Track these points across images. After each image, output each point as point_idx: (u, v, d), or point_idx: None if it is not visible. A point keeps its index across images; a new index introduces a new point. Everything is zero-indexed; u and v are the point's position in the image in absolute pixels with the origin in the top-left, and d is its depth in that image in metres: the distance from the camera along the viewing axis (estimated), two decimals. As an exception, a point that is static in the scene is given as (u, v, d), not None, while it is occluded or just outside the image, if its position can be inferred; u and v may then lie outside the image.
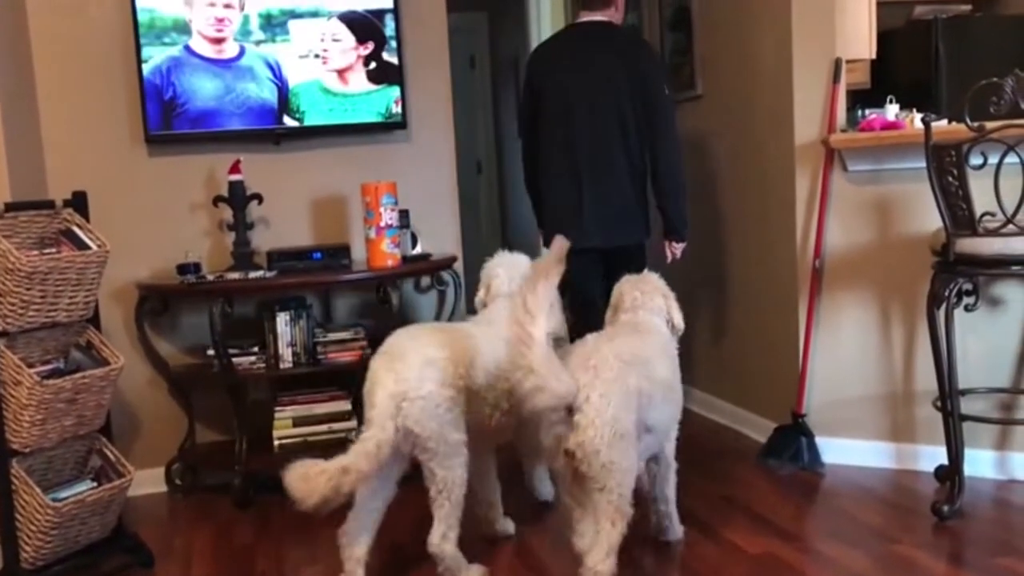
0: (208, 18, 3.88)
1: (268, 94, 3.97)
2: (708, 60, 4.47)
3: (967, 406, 3.34)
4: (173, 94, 3.88)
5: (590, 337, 2.75)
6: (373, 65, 4.06)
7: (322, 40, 4.00)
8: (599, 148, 3.75)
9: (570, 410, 2.50)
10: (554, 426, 2.54)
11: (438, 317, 4.32)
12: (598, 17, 3.85)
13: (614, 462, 2.50)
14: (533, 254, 3.70)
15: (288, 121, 4.00)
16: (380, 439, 2.60)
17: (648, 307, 3.01)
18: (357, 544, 2.81)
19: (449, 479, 2.74)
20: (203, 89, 3.90)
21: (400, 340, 2.80)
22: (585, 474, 2.52)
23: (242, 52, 3.93)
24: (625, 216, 3.78)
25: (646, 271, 3.19)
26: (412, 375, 2.68)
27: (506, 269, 3.26)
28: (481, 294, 3.28)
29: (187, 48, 3.87)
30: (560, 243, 2.51)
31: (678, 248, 3.90)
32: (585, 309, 3.72)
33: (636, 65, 3.73)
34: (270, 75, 3.97)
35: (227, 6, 3.90)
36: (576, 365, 2.54)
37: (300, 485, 2.51)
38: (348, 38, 4.02)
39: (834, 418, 3.82)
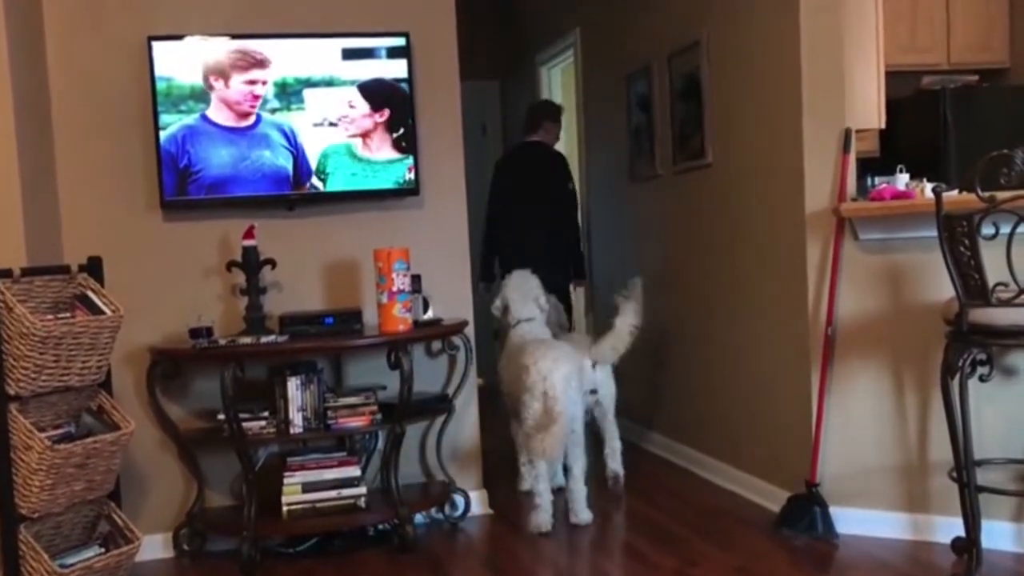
0: (244, 94, 3.94)
1: (283, 161, 4.02)
2: (718, 129, 4.51)
3: (983, 477, 3.31)
4: (188, 161, 3.93)
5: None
6: (400, 132, 4.11)
7: (338, 106, 4.06)
8: (543, 225, 5.62)
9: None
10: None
11: (448, 382, 4.32)
12: (537, 138, 5.75)
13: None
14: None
15: (315, 182, 4.04)
16: (566, 410, 3.87)
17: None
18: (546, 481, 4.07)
19: (580, 434, 4.06)
20: (218, 156, 3.95)
21: (553, 347, 4.11)
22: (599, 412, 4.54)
23: (258, 120, 3.99)
24: (557, 267, 5.60)
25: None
26: (571, 366, 4.01)
27: (520, 293, 4.51)
28: (499, 304, 4.54)
29: (203, 117, 3.92)
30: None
31: (583, 285, 6.08)
32: None
33: (562, 177, 5.71)
34: (285, 142, 4.02)
35: (260, 83, 3.96)
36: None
37: (554, 446, 3.77)
38: (362, 105, 4.08)
39: (848, 488, 3.79)
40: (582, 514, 4.07)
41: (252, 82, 3.96)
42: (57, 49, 3.88)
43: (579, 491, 4.08)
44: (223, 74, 3.92)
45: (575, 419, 4.01)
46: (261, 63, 3.96)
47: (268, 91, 3.97)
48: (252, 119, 3.98)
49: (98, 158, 3.94)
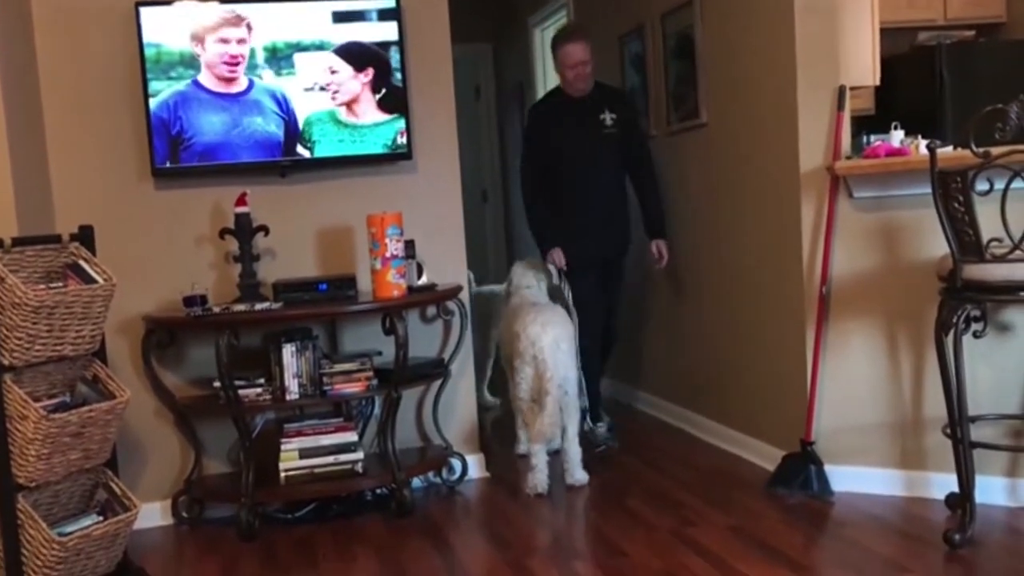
0: (221, 55, 3.90)
1: (275, 127, 3.99)
2: (712, 89, 4.48)
3: (977, 433, 3.32)
4: (180, 128, 3.90)
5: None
6: (383, 95, 4.08)
7: (325, 73, 4.02)
8: None
9: None
10: None
11: (444, 346, 4.32)
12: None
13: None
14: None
15: (300, 150, 4.02)
16: (556, 375, 3.96)
17: None
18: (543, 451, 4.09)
19: (574, 395, 4.09)
20: (210, 123, 3.92)
21: (543, 312, 4.16)
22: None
23: (251, 86, 3.95)
24: None
25: None
26: (560, 329, 4.07)
27: (519, 275, 4.65)
28: (507, 287, 4.72)
29: (195, 83, 3.89)
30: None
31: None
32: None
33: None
34: (276, 108, 3.99)
35: (240, 41, 3.92)
36: None
37: (551, 429, 3.93)
38: (345, 68, 4.04)
39: (843, 446, 3.80)
40: (578, 474, 4.10)
41: (241, 41, 3.91)
42: (44, 16, 3.83)
43: (574, 452, 4.11)
44: (210, 37, 3.89)
45: (567, 380, 4.03)
46: (247, 24, 3.92)
47: (259, 56, 3.94)
48: (244, 85, 3.95)
49: (88, 126, 3.91)
